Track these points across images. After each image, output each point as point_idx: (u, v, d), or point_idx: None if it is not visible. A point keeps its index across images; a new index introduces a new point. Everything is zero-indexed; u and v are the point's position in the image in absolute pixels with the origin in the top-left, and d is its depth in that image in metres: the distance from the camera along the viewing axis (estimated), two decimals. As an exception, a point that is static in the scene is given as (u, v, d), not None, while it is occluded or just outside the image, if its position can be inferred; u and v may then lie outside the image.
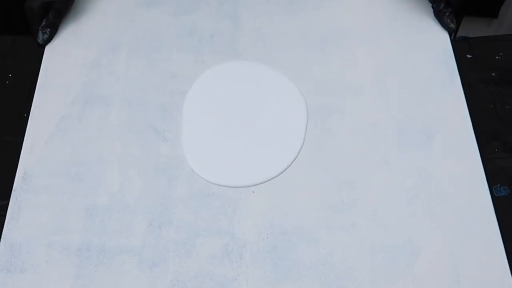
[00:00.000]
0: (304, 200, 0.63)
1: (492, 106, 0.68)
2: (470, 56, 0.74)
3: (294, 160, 0.64)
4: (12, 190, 0.63)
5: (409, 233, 0.60)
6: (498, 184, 0.63)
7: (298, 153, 0.65)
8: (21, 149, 0.65)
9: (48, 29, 0.74)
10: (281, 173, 0.63)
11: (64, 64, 0.72)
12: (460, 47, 0.73)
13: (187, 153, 0.65)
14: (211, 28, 0.76)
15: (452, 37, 0.75)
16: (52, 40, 0.74)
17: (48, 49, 0.74)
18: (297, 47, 0.74)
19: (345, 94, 0.70)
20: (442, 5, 0.76)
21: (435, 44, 0.74)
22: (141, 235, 0.61)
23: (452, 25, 0.75)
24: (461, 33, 0.76)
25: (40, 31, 0.73)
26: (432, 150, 0.66)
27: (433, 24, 0.76)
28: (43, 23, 0.74)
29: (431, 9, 0.77)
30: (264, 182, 0.63)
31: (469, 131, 0.66)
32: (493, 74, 0.72)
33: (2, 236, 0.60)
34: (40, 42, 0.74)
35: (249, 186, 0.63)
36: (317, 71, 0.72)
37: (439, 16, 0.76)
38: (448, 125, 0.67)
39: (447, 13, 0.75)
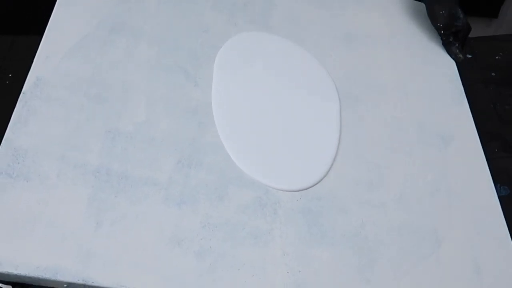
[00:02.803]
0: (335, 173, 0.61)
1: (492, 106, 0.69)
2: (470, 56, 0.75)
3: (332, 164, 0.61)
4: (21, 93, 0.54)
5: (432, 222, 0.60)
6: (498, 184, 0.64)
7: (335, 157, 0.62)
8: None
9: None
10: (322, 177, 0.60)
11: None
12: (460, 47, 0.74)
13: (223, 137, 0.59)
14: (245, -2, 0.74)
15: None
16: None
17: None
18: (324, 37, 0.75)
19: (369, 87, 0.71)
20: (451, 38, 0.82)
21: (445, 67, 0.79)
22: (168, 171, 0.54)
23: (460, 56, 0.80)
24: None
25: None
26: (447, 152, 0.68)
27: (443, 49, 0.81)
28: None
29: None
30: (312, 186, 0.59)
31: (478, 144, 0.70)
32: (493, 74, 0.73)
33: (5, 138, 0.50)
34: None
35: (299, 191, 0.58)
36: (343, 62, 0.72)
37: (448, 46, 0.82)
38: (459, 137, 0.70)
39: (456, 44, 0.81)
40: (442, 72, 0.78)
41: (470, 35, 0.83)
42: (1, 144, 0.50)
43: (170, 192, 0.53)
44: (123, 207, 0.50)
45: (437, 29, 0.82)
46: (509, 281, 0.59)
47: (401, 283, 0.54)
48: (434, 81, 0.77)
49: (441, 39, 0.82)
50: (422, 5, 0.83)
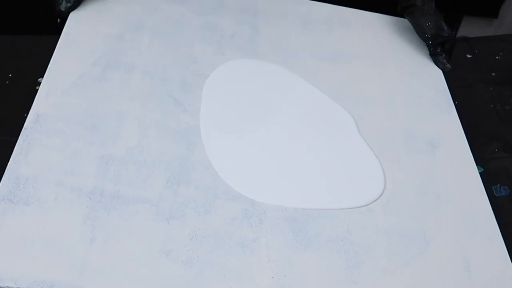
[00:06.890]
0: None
1: (492, 106, 0.69)
2: (470, 56, 0.75)
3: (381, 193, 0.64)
4: (23, 129, 0.59)
5: (420, 225, 0.62)
6: (498, 184, 0.64)
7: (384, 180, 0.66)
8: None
9: (73, -1, 0.74)
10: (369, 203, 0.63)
11: (87, 32, 0.72)
12: (460, 47, 0.73)
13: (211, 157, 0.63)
14: (233, 30, 0.79)
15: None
16: (76, 10, 0.74)
17: (71, 17, 0.73)
18: (311, 59, 0.78)
19: (355, 101, 0.74)
20: (439, 48, 0.84)
21: (433, 78, 0.81)
22: (158, 189, 0.58)
23: (448, 65, 0.83)
24: (461, 33, 0.76)
25: (63, -1, 0.73)
26: (435, 157, 0.69)
27: (430, 60, 0.84)
28: (68, -9, 0.74)
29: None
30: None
31: (467, 148, 0.71)
32: (493, 74, 0.72)
33: (7, 168, 0.56)
34: (62, 9, 0.73)
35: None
36: (329, 81, 0.76)
37: (435, 57, 0.84)
38: (447, 142, 0.72)
39: (443, 55, 0.83)
40: (430, 83, 0.81)
41: (470, 35, 0.83)
42: (4, 173, 0.55)
43: (159, 208, 0.56)
44: (115, 224, 0.54)
45: (425, 40, 0.84)
46: (499, 277, 0.59)
47: (388, 283, 0.56)
48: (422, 92, 0.79)
49: (429, 49, 0.85)
50: (406, 21, 0.86)
